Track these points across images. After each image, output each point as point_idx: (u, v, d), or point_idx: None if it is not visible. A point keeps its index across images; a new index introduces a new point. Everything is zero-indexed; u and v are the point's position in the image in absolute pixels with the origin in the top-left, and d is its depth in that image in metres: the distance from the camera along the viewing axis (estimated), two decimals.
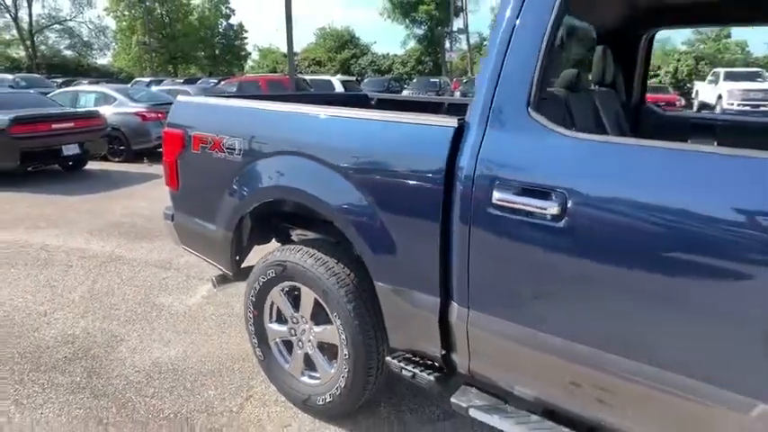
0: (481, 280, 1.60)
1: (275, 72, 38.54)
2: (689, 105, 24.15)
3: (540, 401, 1.61)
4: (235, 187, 2.24)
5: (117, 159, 9.24)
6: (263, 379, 2.47)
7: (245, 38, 52.56)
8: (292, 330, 2.25)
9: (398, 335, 1.88)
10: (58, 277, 3.89)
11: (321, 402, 2.16)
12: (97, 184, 7.51)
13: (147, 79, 25.26)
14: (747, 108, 19.58)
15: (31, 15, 37.54)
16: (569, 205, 1.37)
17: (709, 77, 23.03)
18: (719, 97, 20.64)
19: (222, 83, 17.97)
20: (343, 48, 45.15)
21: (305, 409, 2.25)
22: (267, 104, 2.27)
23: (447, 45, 33.24)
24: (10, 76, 20.47)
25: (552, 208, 1.39)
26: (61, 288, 3.68)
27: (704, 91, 22.79)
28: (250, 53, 55.61)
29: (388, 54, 43.48)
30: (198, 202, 2.51)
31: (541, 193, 1.42)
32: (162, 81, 22.97)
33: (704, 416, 1.27)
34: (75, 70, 33.92)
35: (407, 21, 37.83)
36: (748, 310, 1.16)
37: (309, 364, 2.25)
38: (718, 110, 20.47)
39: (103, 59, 44.96)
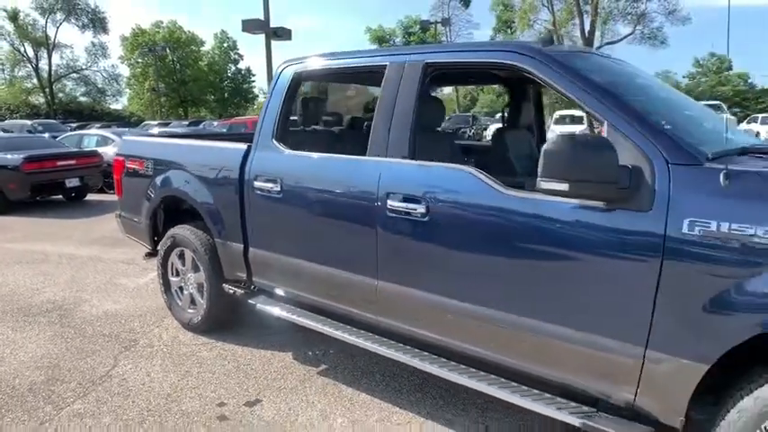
0: (255, 229, 2.99)
1: None
2: None
3: (290, 294, 2.96)
4: (148, 191, 3.67)
5: (113, 192, 10.78)
6: (171, 317, 3.82)
7: (253, 81, 55.26)
8: (182, 279, 3.63)
9: (228, 270, 3.25)
10: (51, 269, 5.31)
11: (196, 321, 3.52)
12: (93, 210, 9.01)
13: (156, 122, 27.42)
14: None
15: (50, 65, 40.61)
16: (283, 185, 2.77)
17: None
18: None
19: (216, 123, 19.96)
20: None
21: (188, 327, 3.61)
22: (164, 139, 3.74)
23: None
24: (29, 122, 22.56)
25: (276, 186, 2.79)
26: (51, 275, 5.09)
27: None
28: (257, 96, 58.04)
29: None
30: (131, 203, 3.94)
31: (272, 180, 2.82)
32: (168, 124, 25.07)
33: (345, 285, 2.60)
34: (89, 115, 36.30)
35: None
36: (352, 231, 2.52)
37: (192, 300, 3.61)
38: None
39: (116, 105, 47.89)
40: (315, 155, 2.72)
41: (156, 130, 16.87)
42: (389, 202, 2.31)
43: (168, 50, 49.62)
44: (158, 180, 3.58)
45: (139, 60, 48.58)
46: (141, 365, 3.16)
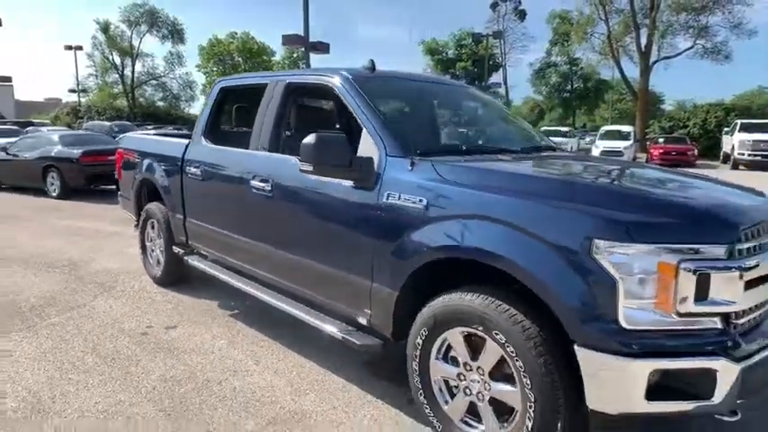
0: (189, 203, 4.01)
1: None
2: (709, 155, 24.70)
3: (209, 253, 3.95)
4: (135, 175, 4.81)
5: None
6: (146, 274, 4.93)
7: None
8: (153, 244, 4.73)
9: (176, 235, 4.29)
10: (80, 240, 6.65)
11: (159, 275, 4.61)
12: None
13: None
14: (758, 158, 20.05)
15: (133, 72, 44.88)
16: (202, 170, 3.77)
17: (727, 129, 23.57)
18: (732, 148, 21.18)
19: None
20: None
21: (155, 281, 4.70)
22: (146, 136, 4.87)
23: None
24: (107, 123, 25.44)
25: (199, 170, 3.80)
26: (78, 243, 6.42)
27: (726, 141, 23.33)
28: None
29: None
30: (126, 185, 5.11)
31: (197, 166, 3.83)
32: None
33: (240, 245, 3.55)
34: (165, 119, 39.61)
35: (447, 76, 41.25)
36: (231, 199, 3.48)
37: (158, 260, 4.70)
38: (731, 160, 21.07)
39: (194, 110, 51.90)
40: (221, 147, 3.70)
41: None
42: (253, 182, 3.23)
43: (241, 60, 53.13)
44: (140, 167, 4.70)
45: (214, 69, 52.33)
46: (110, 302, 4.27)
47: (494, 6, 40.57)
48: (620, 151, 21.20)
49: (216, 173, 3.67)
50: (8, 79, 34.09)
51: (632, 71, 32.14)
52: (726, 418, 1.96)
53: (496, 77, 40.70)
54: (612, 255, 1.81)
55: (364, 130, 2.66)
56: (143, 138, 5.00)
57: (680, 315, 1.82)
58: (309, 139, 2.53)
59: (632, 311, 1.81)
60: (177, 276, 4.60)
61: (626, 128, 25.27)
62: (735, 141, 21.05)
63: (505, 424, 2.12)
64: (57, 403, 2.69)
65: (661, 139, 24.15)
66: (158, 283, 4.69)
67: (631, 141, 22.95)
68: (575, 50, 37.14)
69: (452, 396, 2.32)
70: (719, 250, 1.85)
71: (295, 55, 57.27)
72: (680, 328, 1.85)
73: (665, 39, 30.21)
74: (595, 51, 33.80)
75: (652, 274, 1.80)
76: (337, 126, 3.20)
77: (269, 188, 3.11)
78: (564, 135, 25.87)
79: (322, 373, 3.07)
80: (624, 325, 1.81)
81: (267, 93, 3.39)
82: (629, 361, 1.80)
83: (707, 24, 29.28)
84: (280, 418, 2.59)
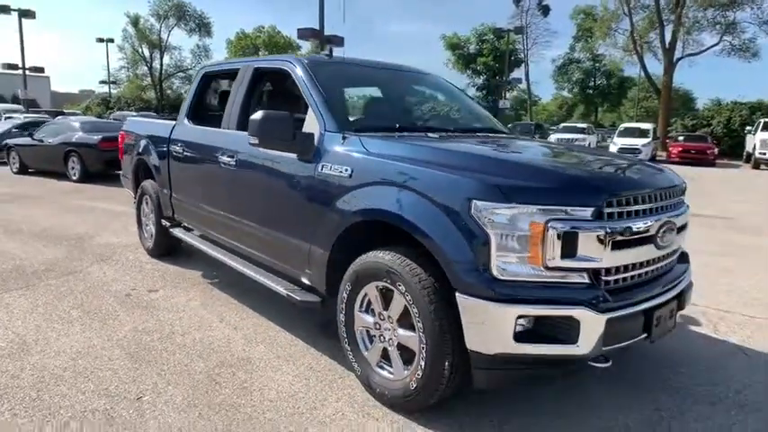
0: (174, 180, 4.38)
1: None
2: (732, 155, 24.23)
3: (192, 225, 4.32)
4: (133, 155, 5.22)
5: None
6: (142, 247, 5.35)
7: None
8: (147, 218, 5.14)
9: (164, 210, 4.68)
10: (90, 217, 7.15)
11: (151, 247, 5.02)
12: None
13: None
14: None
15: (161, 65, 46.04)
16: (184, 147, 4.14)
17: (749, 128, 23.07)
18: (754, 147, 20.75)
19: None
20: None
21: (149, 253, 5.12)
22: (142, 118, 5.28)
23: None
24: (134, 113, 26.37)
25: (180, 148, 4.17)
26: (88, 220, 6.91)
27: (749, 141, 22.85)
28: None
29: None
30: (126, 164, 5.53)
31: (182, 143, 4.20)
32: None
33: (214, 216, 3.92)
34: None
35: (469, 71, 41.14)
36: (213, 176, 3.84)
37: (151, 233, 5.10)
38: (752, 159, 20.65)
39: None
40: (198, 127, 4.06)
41: None
42: (221, 157, 3.57)
43: (267, 53, 53.91)
44: (136, 147, 5.11)
45: None
46: (104, 269, 4.69)
47: (517, 1, 40.29)
48: (637, 149, 20.94)
49: (193, 150, 4.03)
50: (41, 70, 35.35)
51: (656, 68, 31.60)
52: (597, 365, 2.21)
53: (518, 73, 40.57)
54: (488, 214, 2.07)
55: (309, 108, 2.97)
56: (139, 120, 5.43)
57: (549, 269, 2.08)
58: (256, 115, 2.85)
59: (505, 264, 2.08)
60: (167, 248, 5.00)
61: (646, 125, 24.88)
62: (756, 140, 20.64)
63: (409, 366, 2.41)
64: (39, 345, 3.09)
65: (681, 137, 23.74)
66: (151, 255, 5.10)
67: (650, 139, 22.64)
68: (598, 46, 36.63)
69: (371, 343, 2.62)
70: (586, 212, 2.10)
71: (320, 49, 58.05)
72: (549, 280, 2.10)
73: (690, 35, 29.58)
74: (618, 48, 33.27)
75: (523, 231, 2.06)
76: (295, 106, 3.49)
77: (233, 162, 3.45)
78: (581, 131, 25.59)
79: (276, 330, 3.40)
80: (497, 275, 2.08)
81: (239, 76, 3.73)
82: (498, 306, 2.06)
83: (734, 20, 28.57)
84: (228, 362, 2.94)
